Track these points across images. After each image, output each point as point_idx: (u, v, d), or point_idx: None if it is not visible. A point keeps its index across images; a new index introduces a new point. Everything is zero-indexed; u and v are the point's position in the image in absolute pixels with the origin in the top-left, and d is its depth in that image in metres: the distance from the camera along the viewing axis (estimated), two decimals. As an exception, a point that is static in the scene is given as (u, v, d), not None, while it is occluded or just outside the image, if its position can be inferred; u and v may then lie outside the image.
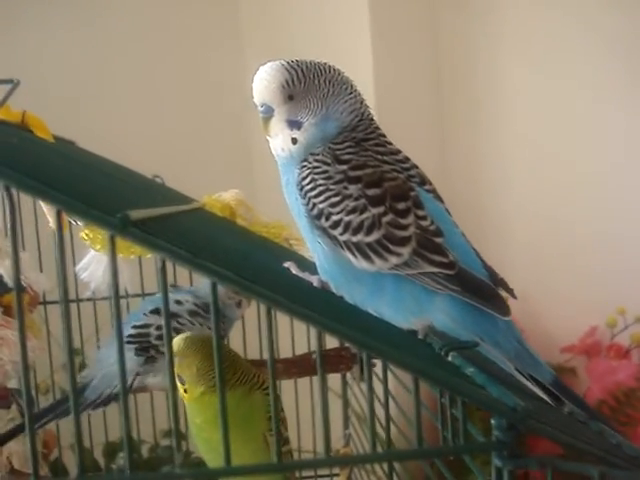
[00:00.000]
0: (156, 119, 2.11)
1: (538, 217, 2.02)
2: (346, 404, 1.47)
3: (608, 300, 1.91)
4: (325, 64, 0.83)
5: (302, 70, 0.81)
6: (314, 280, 0.82)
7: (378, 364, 1.31)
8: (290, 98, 0.81)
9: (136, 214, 0.53)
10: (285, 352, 1.33)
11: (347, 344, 1.35)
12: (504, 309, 0.76)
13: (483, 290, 0.75)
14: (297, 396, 1.46)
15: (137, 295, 1.43)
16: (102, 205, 0.54)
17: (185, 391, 0.96)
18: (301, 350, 1.30)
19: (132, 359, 1.18)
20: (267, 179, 2.05)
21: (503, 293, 0.78)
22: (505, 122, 2.05)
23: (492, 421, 0.56)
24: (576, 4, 1.91)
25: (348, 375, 1.42)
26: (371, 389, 0.54)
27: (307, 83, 0.81)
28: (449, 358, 0.72)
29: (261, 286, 0.53)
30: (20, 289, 0.55)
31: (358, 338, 0.52)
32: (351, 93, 0.83)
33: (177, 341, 0.99)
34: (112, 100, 2.07)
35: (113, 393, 1.12)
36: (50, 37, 2.01)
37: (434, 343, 0.77)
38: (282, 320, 1.02)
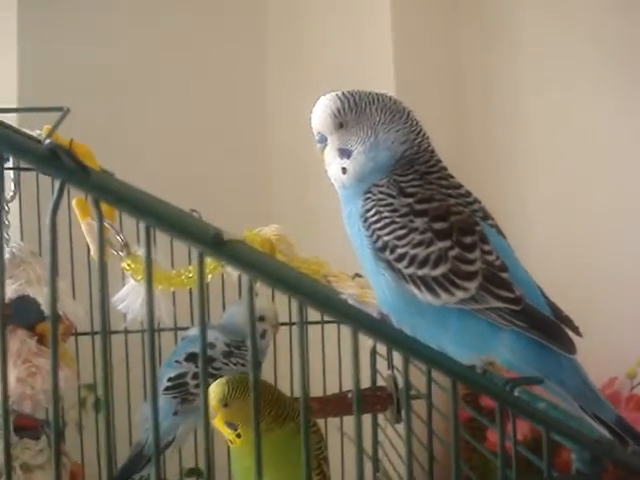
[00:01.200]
0: (183, 159, 2.12)
1: (557, 264, 2.00)
2: (376, 446, 1.44)
3: (628, 351, 1.89)
4: (383, 94, 0.84)
5: (355, 99, 0.82)
6: (373, 312, 0.81)
7: (415, 403, 1.30)
8: (341, 126, 0.82)
9: (226, 234, 0.53)
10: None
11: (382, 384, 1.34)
12: (570, 347, 0.75)
13: (549, 327, 0.75)
14: (326, 436, 1.44)
15: (170, 329, 1.42)
16: (192, 223, 0.54)
17: (238, 436, 0.95)
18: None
19: (169, 401, 1.19)
20: (290, 217, 2.08)
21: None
22: (524, 141, 2.05)
23: (572, 454, 0.55)
24: (597, 19, 1.91)
25: (380, 417, 1.41)
26: (456, 422, 0.53)
27: (358, 111, 0.81)
28: (515, 393, 0.71)
29: (343, 304, 0.53)
30: (105, 323, 0.55)
31: (446, 363, 0.52)
32: (406, 122, 0.83)
33: (218, 388, 0.98)
34: (146, 138, 2.08)
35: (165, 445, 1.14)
36: (92, 73, 2.03)
37: (495, 378, 0.76)
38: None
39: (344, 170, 0.82)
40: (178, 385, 1.20)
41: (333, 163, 0.83)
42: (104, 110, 2.01)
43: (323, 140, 0.84)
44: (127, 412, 1.49)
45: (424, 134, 0.84)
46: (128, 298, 1.23)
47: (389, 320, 0.79)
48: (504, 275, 0.76)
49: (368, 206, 0.79)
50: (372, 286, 0.82)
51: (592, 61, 1.94)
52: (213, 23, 2.20)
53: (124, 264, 1.20)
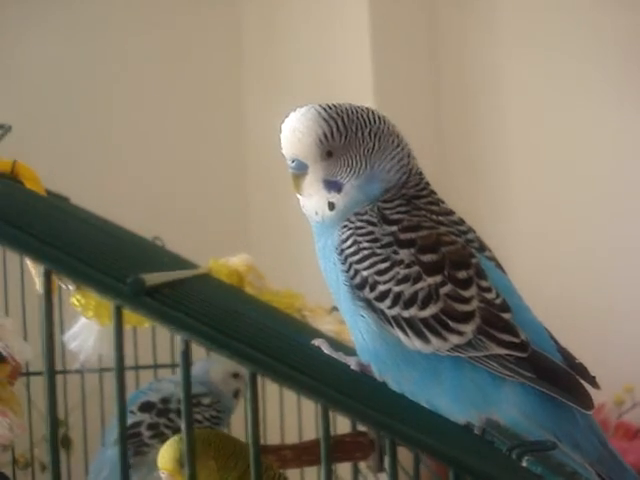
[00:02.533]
0: (151, 179, 2.00)
1: (543, 288, 1.90)
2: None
3: (615, 377, 1.80)
4: (369, 111, 0.70)
5: (343, 121, 0.67)
6: (351, 362, 0.68)
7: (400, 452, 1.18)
8: (329, 155, 0.67)
9: (151, 279, 0.40)
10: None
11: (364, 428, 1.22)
12: (587, 401, 0.63)
13: (561, 377, 0.63)
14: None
15: (131, 368, 1.32)
16: (108, 268, 0.41)
17: None
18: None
19: None
20: (265, 244, 1.97)
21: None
22: (506, 130, 1.97)
23: None
24: (579, 5, 1.84)
25: (361, 464, 1.28)
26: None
27: (349, 136, 0.67)
28: (523, 463, 0.58)
29: (309, 376, 0.40)
30: None
31: (431, 444, 0.39)
32: (398, 146, 0.70)
33: (172, 447, 0.84)
34: (108, 158, 1.95)
35: None
36: (47, 82, 1.90)
37: (498, 442, 0.64)
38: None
39: (332, 206, 0.68)
40: (132, 435, 1.09)
41: (316, 196, 0.69)
42: (71, 130, 1.90)
43: (302, 168, 0.69)
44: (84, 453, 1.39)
45: (412, 154, 0.71)
46: (80, 336, 1.13)
47: (369, 371, 0.67)
48: (506, 316, 0.63)
49: (344, 236, 0.66)
50: (349, 330, 0.69)
51: (577, 48, 1.85)
52: (187, 39, 2.09)
53: (73, 299, 1.09)
